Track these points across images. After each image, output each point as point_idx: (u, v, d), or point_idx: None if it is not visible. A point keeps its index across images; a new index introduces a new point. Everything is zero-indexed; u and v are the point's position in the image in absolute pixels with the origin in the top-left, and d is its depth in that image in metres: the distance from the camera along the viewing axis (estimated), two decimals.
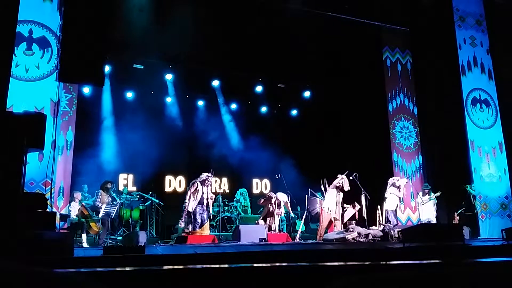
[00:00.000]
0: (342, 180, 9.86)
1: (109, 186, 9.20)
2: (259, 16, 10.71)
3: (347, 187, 9.82)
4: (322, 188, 10.27)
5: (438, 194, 10.62)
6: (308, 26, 10.72)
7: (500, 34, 11.19)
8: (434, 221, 10.31)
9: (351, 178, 9.89)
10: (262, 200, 10.43)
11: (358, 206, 9.85)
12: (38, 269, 0.94)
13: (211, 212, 9.63)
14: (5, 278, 0.89)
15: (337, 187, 9.91)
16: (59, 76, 6.82)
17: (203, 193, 9.27)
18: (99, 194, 9.08)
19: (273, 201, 10.07)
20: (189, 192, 9.35)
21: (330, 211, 9.74)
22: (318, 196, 10.50)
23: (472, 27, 11.29)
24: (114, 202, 9.15)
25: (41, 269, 0.95)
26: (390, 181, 10.20)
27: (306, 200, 10.43)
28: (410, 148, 11.84)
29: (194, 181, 9.46)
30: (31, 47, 7.76)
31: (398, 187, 10.05)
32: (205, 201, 9.30)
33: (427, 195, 10.63)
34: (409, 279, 1.01)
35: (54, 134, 7.38)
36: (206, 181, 9.35)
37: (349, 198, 10.09)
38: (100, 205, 8.84)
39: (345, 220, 9.91)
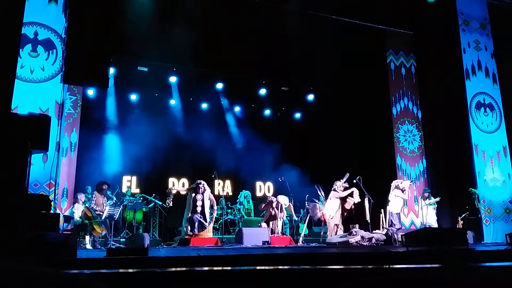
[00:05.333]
0: (353, 192, 9.73)
1: (104, 187, 9.00)
2: (263, 19, 10.74)
3: (357, 199, 9.71)
4: (319, 193, 10.23)
5: (437, 199, 10.56)
6: (312, 29, 10.73)
7: (504, 38, 11.15)
8: (434, 225, 10.26)
9: (354, 181, 9.85)
10: (263, 205, 10.40)
11: (352, 200, 9.80)
12: (46, 270, 0.95)
13: (207, 217, 9.54)
14: (14, 278, 0.89)
15: (341, 198, 9.84)
16: (63, 78, 6.86)
17: (196, 200, 9.37)
18: (94, 195, 8.89)
19: (274, 205, 10.07)
20: (188, 198, 9.55)
21: (331, 217, 9.71)
22: (317, 201, 10.46)
23: (476, 31, 11.27)
24: (118, 203, 9.14)
25: (50, 269, 0.95)
26: (394, 183, 10.16)
27: (307, 206, 10.42)
28: (414, 152, 11.81)
29: (190, 187, 9.62)
30: (36, 49, 7.82)
31: (402, 190, 10.01)
32: (198, 209, 9.32)
33: (427, 199, 10.58)
34: (416, 282, 1.01)
35: (59, 135, 7.42)
36: (198, 189, 9.40)
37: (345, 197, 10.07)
38: (95, 207, 8.67)
39: (344, 216, 9.89)
